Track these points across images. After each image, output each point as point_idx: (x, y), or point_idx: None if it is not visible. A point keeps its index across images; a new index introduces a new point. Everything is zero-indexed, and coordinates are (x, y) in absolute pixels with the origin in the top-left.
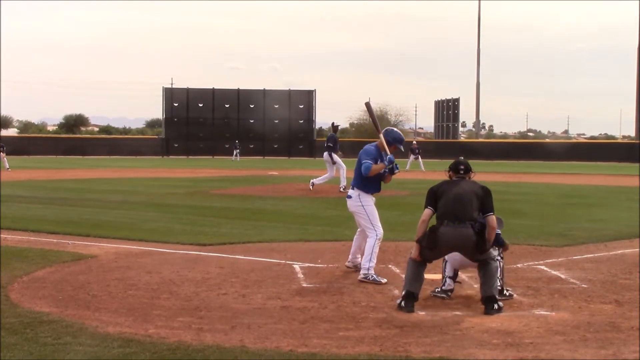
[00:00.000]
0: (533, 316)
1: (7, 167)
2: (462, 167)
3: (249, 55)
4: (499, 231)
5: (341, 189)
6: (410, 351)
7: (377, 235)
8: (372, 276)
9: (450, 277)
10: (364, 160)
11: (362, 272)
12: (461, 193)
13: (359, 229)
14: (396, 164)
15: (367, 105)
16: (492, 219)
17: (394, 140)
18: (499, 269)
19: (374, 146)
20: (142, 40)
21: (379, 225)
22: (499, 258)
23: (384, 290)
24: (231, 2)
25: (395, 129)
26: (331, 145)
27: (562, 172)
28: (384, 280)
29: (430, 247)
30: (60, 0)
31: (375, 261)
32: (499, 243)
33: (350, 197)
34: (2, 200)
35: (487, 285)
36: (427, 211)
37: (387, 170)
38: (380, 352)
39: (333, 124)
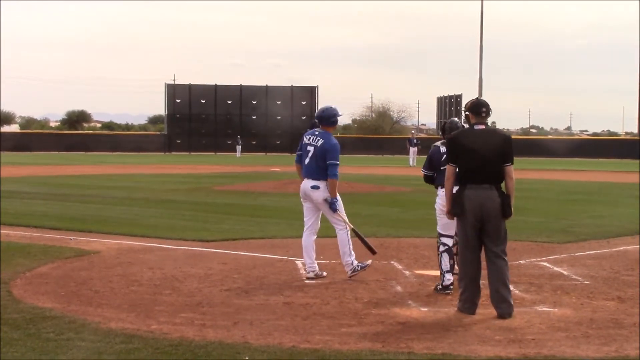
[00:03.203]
0: (535, 312)
1: None
2: (483, 109)
3: (251, 51)
4: None
5: None
6: (412, 347)
7: (347, 228)
8: (358, 266)
9: (448, 271)
10: (335, 163)
11: (348, 269)
12: (485, 149)
13: (306, 229)
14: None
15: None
16: (511, 169)
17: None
18: (508, 268)
19: (329, 134)
20: (144, 36)
21: (345, 216)
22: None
23: (386, 287)
24: None
25: (331, 108)
26: None
27: (564, 168)
28: (369, 262)
29: (458, 214)
30: None
31: (353, 252)
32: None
33: (317, 187)
34: (4, 197)
35: (499, 286)
36: (450, 169)
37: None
38: (383, 349)
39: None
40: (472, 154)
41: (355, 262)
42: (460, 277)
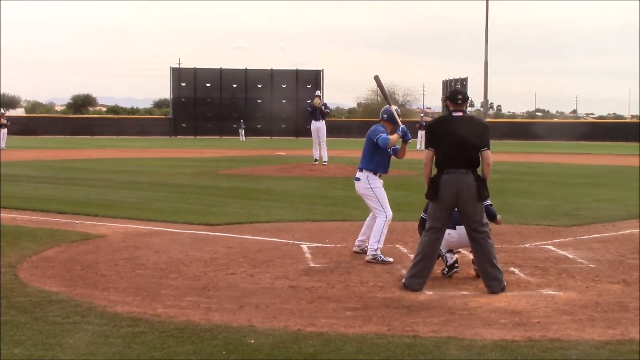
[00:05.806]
0: (541, 296)
1: (3, 146)
2: (459, 96)
3: (256, 34)
4: (489, 202)
5: (315, 162)
6: (417, 331)
7: (386, 217)
8: (380, 257)
9: (448, 252)
10: (380, 134)
11: (369, 253)
12: (461, 135)
13: (372, 212)
14: (408, 133)
15: (377, 79)
16: (487, 154)
17: (389, 119)
18: (494, 247)
19: (380, 125)
20: (149, 19)
21: (388, 207)
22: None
23: (391, 270)
24: None
25: (389, 108)
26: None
27: (570, 152)
28: (391, 260)
29: (432, 198)
30: None
31: (383, 243)
32: (490, 215)
33: (358, 179)
34: (10, 180)
35: (486, 265)
36: (428, 153)
37: (401, 135)
38: (388, 332)
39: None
40: (449, 139)
41: (379, 252)
42: (416, 253)
